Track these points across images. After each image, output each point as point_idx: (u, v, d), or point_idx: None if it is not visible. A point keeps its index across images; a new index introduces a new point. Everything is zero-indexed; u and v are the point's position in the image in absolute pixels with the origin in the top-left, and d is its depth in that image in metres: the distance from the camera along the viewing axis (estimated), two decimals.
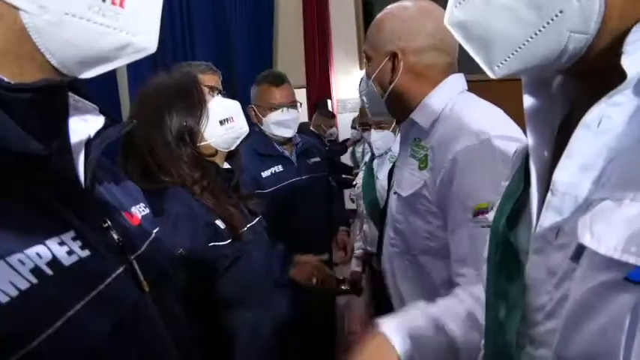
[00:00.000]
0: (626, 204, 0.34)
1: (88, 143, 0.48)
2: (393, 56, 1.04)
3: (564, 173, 0.41)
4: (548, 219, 0.42)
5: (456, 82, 1.06)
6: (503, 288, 0.48)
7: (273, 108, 1.85)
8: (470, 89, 1.08)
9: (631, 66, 0.35)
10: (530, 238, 0.45)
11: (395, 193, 1.09)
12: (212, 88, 1.97)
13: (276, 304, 1.30)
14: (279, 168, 1.88)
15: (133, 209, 0.62)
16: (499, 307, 0.48)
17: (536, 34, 0.40)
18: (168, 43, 4.97)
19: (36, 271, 0.38)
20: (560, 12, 0.38)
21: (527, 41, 0.40)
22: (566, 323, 0.38)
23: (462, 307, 0.76)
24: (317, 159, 2.08)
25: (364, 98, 1.17)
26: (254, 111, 1.92)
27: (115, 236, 0.51)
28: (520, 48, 0.41)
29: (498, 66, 0.43)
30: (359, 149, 3.87)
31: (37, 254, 0.39)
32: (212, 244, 1.07)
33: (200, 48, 5.14)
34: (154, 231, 0.64)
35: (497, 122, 0.95)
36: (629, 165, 0.36)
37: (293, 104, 1.90)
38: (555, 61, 0.41)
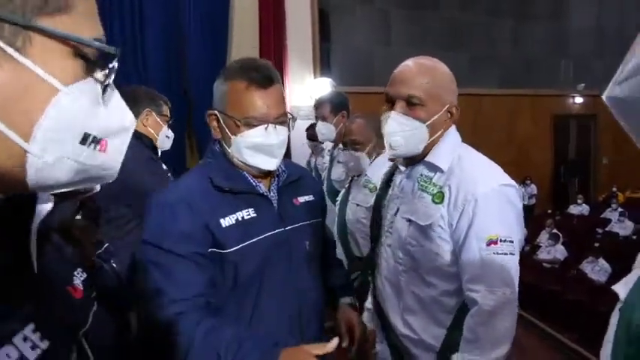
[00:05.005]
0: None
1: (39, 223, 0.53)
2: (450, 109, 1.27)
3: None
4: None
5: (456, 133, 1.32)
6: None
7: (251, 123, 1.15)
8: None
9: None
10: None
11: (407, 220, 1.28)
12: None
13: None
14: (249, 213, 1.15)
15: (75, 280, 0.65)
16: None
17: None
18: (117, 40, 4.78)
19: None
20: None
21: None
22: None
23: None
24: (309, 197, 1.32)
25: (399, 138, 1.25)
26: (217, 121, 1.20)
27: (64, 317, 0.56)
28: None
29: None
30: (321, 161, 3.43)
31: (7, 356, 0.44)
32: None
33: (152, 57, 4.98)
34: (94, 296, 0.68)
35: (498, 171, 1.24)
36: None
37: (282, 119, 1.19)
38: None
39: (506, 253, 1.15)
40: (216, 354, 0.98)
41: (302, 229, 1.25)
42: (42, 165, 0.44)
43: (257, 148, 1.16)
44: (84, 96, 0.46)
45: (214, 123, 1.21)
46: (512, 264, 1.16)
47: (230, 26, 5.49)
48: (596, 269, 5.20)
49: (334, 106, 2.82)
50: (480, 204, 1.16)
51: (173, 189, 1.19)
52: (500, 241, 1.15)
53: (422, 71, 1.25)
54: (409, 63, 1.28)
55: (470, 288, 1.17)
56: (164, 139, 2.16)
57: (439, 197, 1.22)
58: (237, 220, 1.13)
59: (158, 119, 2.11)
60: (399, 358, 1.39)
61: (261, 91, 1.14)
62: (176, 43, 5.17)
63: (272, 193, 1.23)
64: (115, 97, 0.51)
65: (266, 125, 1.15)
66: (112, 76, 0.49)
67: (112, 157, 0.51)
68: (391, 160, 1.46)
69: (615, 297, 0.57)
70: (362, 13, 8.37)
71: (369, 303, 1.58)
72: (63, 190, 0.50)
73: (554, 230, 6.56)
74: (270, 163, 1.18)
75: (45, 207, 0.53)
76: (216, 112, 1.19)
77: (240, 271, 1.12)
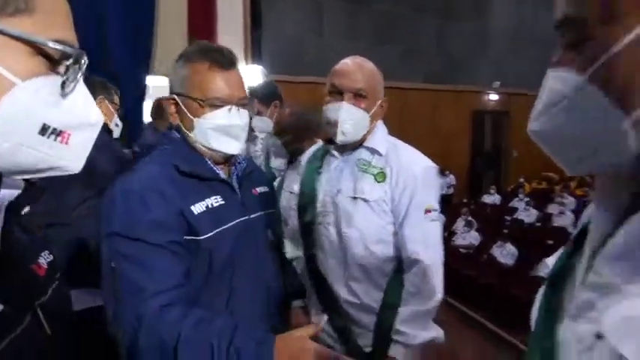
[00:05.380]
0: (625, 304, 0.43)
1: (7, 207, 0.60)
2: (382, 103, 1.49)
3: (604, 262, 0.48)
4: (583, 296, 0.50)
5: (383, 124, 1.54)
6: (541, 340, 0.57)
7: (215, 104, 1.13)
8: None
9: None
10: (569, 305, 0.52)
11: (353, 198, 1.46)
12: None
13: None
14: (217, 200, 1.13)
15: (40, 260, 0.72)
16: (536, 355, 0.57)
17: (588, 149, 0.49)
18: None
19: None
20: (602, 140, 0.47)
21: (583, 154, 0.50)
22: None
23: None
24: (264, 189, 1.33)
25: (348, 126, 1.43)
26: (176, 105, 1.17)
27: (23, 288, 0.64)
28: (582, 157, 0.50)
29: (571, 166, 0.53)
30: (253, 148, 3.55)
31: None
32: None
33: None
34: (57, 276, 0.76)
35: (423, 156, 1.51)
36: None
37: (244, 101, 1.19)
38: (610, 167, 0.50)
39: (436, 220, 1.45)
40: (209, 344, 0.90)
41: (263, 218, 1.25)
42: (1, 151, 0.49)
43: (221, 130, 1.14)
44: (43, 90, 0.51)
45: (172, 108, 1.17)
46: (440, 228, 1.49)
47: (156, 11, 5.23)
48: (504, 253, 5.68)
49: (265, 98, 2.82)
50: (418, 181, 1.43)
51: (137, 177, 1.09)
52: (433, 210, 1.44)
53: (364, 68, 1.45)
54: (348, 61, 1.46)
55: (412, 250, 1.41)
56: (114, 127, 2.28)
57: (381, 176, 1.45)
58: (207, 207, 1.10)
59: (110, 107, 2.25)
60: (340, 324, 1.52)
61: (223, 72, 1.13)
62: (96, 33, 4.82)
63: (233, 182, 1.22)
64: (81, 93, 0.56)
65: (229, 107, 1.13)
66: (77, 73, 0.54)
67: (75, 150, 0.56)
68: (328, 144, 1.60)
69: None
70: (294, 1, 8.36)
71: None
72: (25, 177, 0.55)
73: (469, 218, 7.05)
74: (234, 147, 1.17)
75: (13, 191, 0.60)
76: (175, 96, 1.16)
77: (214, 258, 1.09)
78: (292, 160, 2.26)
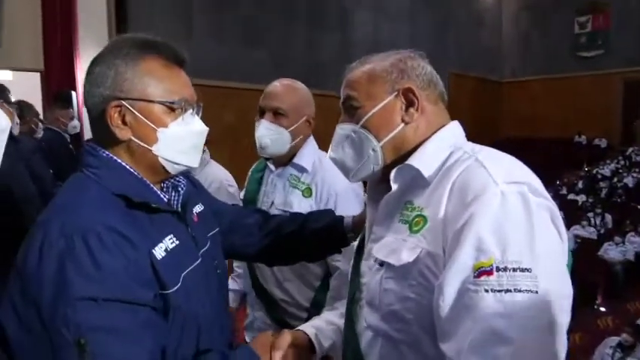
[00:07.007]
0: (384, 240, 0.88)
1: None
2: (308, 119, 1.69)
3: (376, 228, 0.93)
4: (368, 249, 0.94)
5: (313, 140, 1.73)
6: (354, 275, 0.99)
7: (184, 107, 0.91)
8: None
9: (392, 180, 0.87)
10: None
11: (283, 211, 1.61)
12: None
13: None
14: (172, 239, 0.89)
15: None
16: (352, 284, 0.99)
17: (360, 164, 0.93)
18: None
19: None
20: (367, 158, 0.92)
21: (358, 168, 0.94)
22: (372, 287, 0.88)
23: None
24: (200, 207, 1.08)
25: (266, 140, 1.55)
26: (123, 115, 0.88)
27: None
28: (357, 170, 0.94)
29: (351, 177, 0.97)
30: None
31: None
32: None
33: None
34: None
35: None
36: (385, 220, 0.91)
37: (199, 105, 0.98)
38: (372, 175, 0.94)
39: None
40: None
41: (210, 250, 1.02)
42: None
43: (190, 139, 0.94)
44: None
45: (117, 118, 0.87)
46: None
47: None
48: None
49: None
50: (339, 198, 1.57)
51: (78, 212, 0.80)
52: None
53: (286, 87, 1.61)
54: (276, 82, 1.63)
55: (333, 258, 1.50)
56: (14, 125, 2.23)
57: (308, 192, 1.61)
58: (166, 250, 0.85)
59: (11, 109, 2.22)
60: (277, 317, 1.66)
61: (180, 69, 0.94)
62: None
63: (179, 210, 0.98)
64: None
65: (192, 111, 0.94)
66: None
67: None
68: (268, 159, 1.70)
69: None
70: (162, 1, 8.08)
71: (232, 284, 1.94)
72: None
73: None
74: (197, 159, 0.97)
75: None
76: (124, 102, 0.86)
77: (185, 314, 0.86)
78: None
